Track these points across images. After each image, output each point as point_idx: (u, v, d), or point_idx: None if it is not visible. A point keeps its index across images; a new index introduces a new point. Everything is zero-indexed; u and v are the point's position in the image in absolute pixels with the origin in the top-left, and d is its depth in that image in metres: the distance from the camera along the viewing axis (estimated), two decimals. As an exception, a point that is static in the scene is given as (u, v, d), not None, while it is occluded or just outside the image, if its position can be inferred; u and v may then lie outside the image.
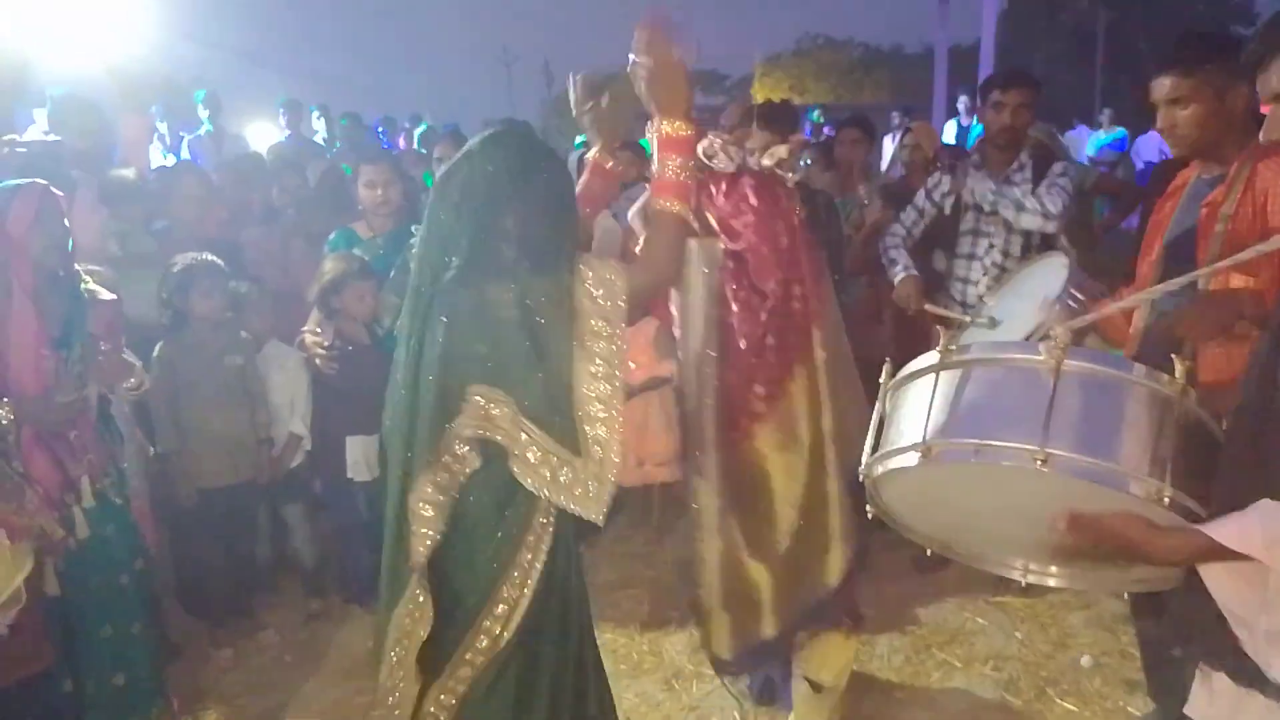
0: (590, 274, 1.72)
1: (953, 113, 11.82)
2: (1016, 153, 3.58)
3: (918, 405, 1.79)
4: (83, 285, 2.77)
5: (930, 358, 1.83)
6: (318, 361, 3.51)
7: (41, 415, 2.54)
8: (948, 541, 2.11)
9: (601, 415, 1.69)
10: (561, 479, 1.69)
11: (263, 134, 8.50)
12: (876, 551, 3.94)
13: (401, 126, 8.42)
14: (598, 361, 1.70)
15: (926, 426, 1.73)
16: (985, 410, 1.74)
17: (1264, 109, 2.39)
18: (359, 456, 3.65)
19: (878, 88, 28.13)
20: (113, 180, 3.67)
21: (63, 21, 3.61)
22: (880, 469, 1.85)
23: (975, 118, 8.03)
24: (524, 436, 1.68)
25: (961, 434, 1.71)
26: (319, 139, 7.73)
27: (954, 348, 1.80)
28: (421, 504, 1.74)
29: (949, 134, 9.63)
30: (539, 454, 1.68)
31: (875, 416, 1.92)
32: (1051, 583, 2.10)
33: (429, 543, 1.73)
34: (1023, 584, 2.08)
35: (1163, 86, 2.27)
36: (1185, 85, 2.23)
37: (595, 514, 1.70)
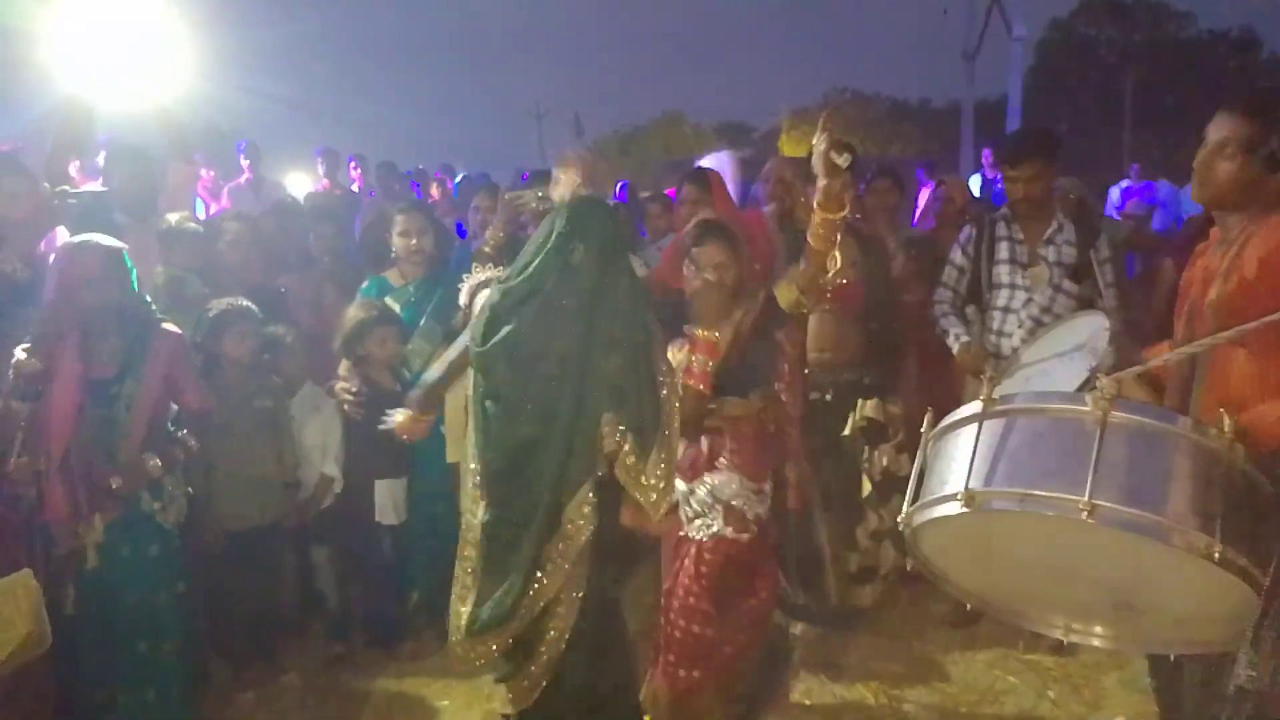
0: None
1: (979, 165, 11.87)
2: (1050, 214, 3.55)
3: (961, 454, 1.78)
4: (152, 320, 2.91)
5: (973, 407, 1.81)
6: (346, 407, 3.58)
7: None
8: (985, 596, 2.08)
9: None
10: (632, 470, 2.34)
11: (301, 182, 8.68)
12: (905, 606, 3.91)
13: (432, 177, 8.56)
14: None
15: (970, 475, 1.72)
16: (1030, 460, 1.72)
17: None
18: (386, 500, 3.67)
19: (905, 141, 28.33)
20: (164, 226, 3.77)
21: (111, 68, 3.72)
22: (921, 518, 1.83)
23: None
24: (627, 445, 2.32)
25: (1006, 483, 1.70)
26: (355, 188, 7.88)
27: (997, 397, 1.79)
28: (584, 506, 2.32)
29: (974, 186, 9.65)
30: (632, 458, 2.32)
31: (916, 466, 1.91)
32: (1096, 642, 2.06)
33: (590, 531, 2.33)
34: (1064, 642, 2.05)
35: (1224, 125, 2.06)
36: (1243, 133, 2.02)
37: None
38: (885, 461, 3.66)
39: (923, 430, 1.94)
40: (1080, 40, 33.22)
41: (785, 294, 2.84)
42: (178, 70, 3.91)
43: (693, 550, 2.87)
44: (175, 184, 4.07)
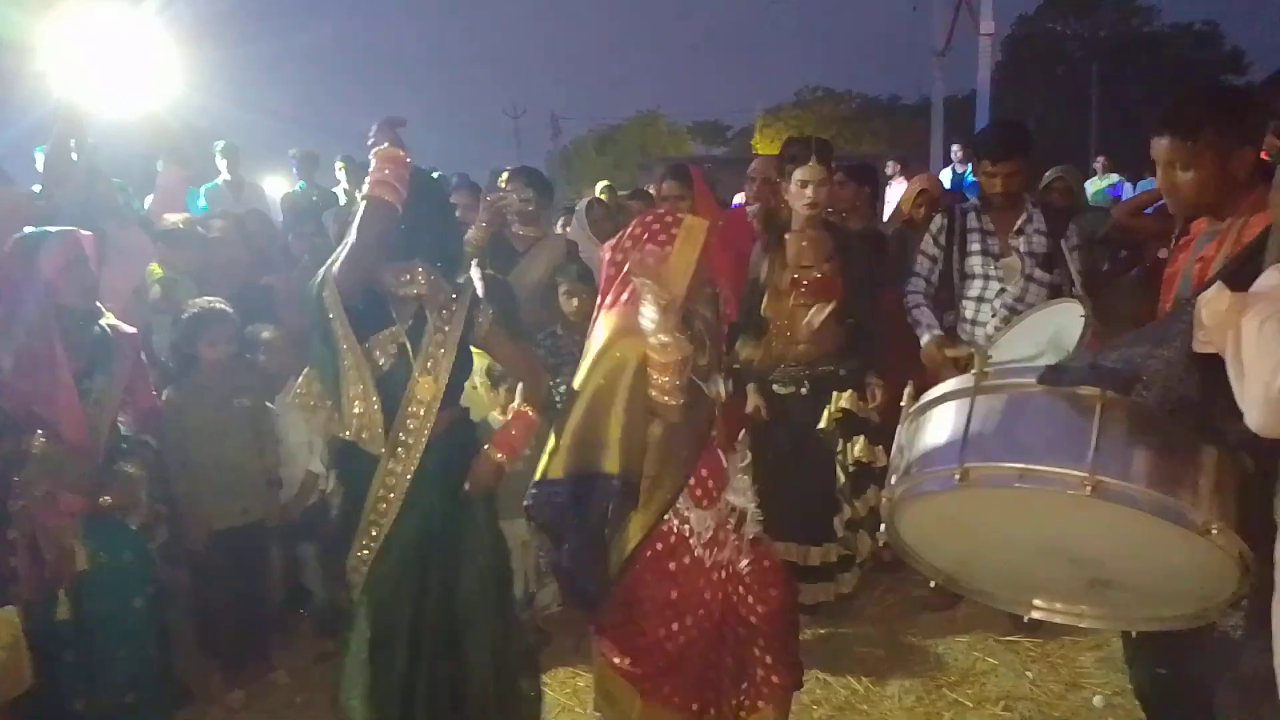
0: None
1: (949, 161, 11.98)
2: (1020, 206, 3.61)
3: (951, 428, 1.74)
4: (103, 321, 2.86)
5: (964, 380, 1.78)
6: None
7: (79, 468, 2.65)
8: (955, 575, 2.07)
9: None
10: None
11: (278, 186, 8.57)
12: (885, 591, 3.96)
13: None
14: None
15: (964, 449, 1.67)
16: (1028, 435, 1.69)
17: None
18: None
19: (876, 138, 28.50)
20: (162, 228, 3.75)
21: (103, 79, 3.73)
22: (908, 492, 1.79)
23: (970, 166, 8.14)
24: None
25: (1003, 458, 1.65)
26: (340, 189, 7.78)
27: (990, 370, 1.75)
28: None
29: (945, 181, 9.78)
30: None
31: (897, 440, 1.88)
32: (1065, 620, 2.04)
33: None
34: (1025, 619, 2.06)
35: (1160, 147, 2.13)
36: (1185, 150, 2.08)
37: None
38: (858, 452, 3.70)
39: (903, 404, 1.92)
40: (1047, 35, 33.58)
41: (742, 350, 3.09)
42: (166, 80, 3.93)
43: (746, 568, 2.53)
44: (167, 186, 4.07)
